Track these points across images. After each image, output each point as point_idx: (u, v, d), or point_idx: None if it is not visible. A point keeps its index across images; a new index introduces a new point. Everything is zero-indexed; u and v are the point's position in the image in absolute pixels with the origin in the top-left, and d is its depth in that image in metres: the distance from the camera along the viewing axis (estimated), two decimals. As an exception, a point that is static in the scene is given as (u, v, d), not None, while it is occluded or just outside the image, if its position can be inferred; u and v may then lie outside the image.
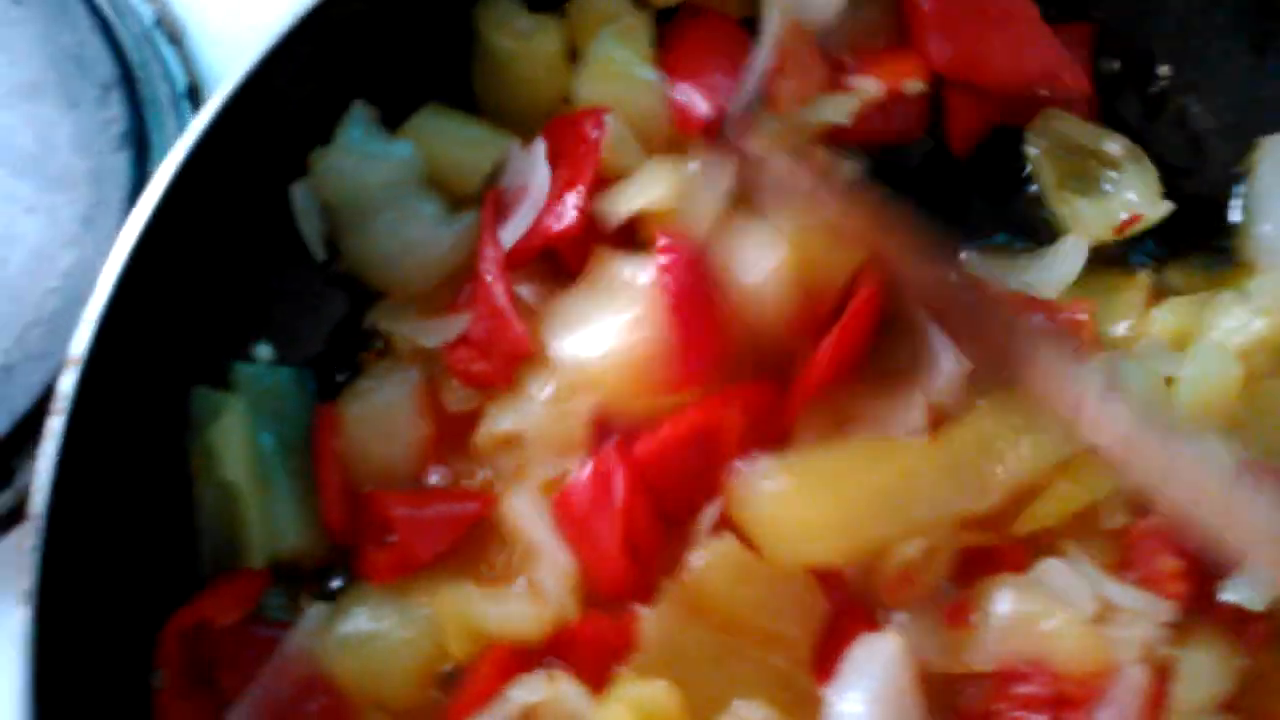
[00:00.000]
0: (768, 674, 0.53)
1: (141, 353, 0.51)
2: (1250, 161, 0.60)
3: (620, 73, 0.59)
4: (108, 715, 0.50)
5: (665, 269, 0.52)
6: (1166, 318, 0.58)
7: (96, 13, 0.67)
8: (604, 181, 0.56)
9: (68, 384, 0.47)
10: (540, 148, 0.58)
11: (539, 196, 0.57)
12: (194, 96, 0.69)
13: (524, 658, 0.52)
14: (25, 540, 0.45)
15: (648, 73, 0.59)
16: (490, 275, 0.54)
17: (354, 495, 0.56)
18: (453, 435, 0.57)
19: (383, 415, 0.57)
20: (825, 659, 0.52)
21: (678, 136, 0.59)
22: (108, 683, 0.50)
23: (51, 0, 0.67)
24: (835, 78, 0.61)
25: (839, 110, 0.60)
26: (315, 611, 0.54)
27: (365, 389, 0.57)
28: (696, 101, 0.60)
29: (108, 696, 0.50)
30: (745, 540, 0.52)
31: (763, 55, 0.55)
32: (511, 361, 0.55)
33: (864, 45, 0.61)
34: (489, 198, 0.57)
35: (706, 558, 0.52)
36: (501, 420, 0.55)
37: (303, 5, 0.54)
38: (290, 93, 0.55)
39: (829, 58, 0.60)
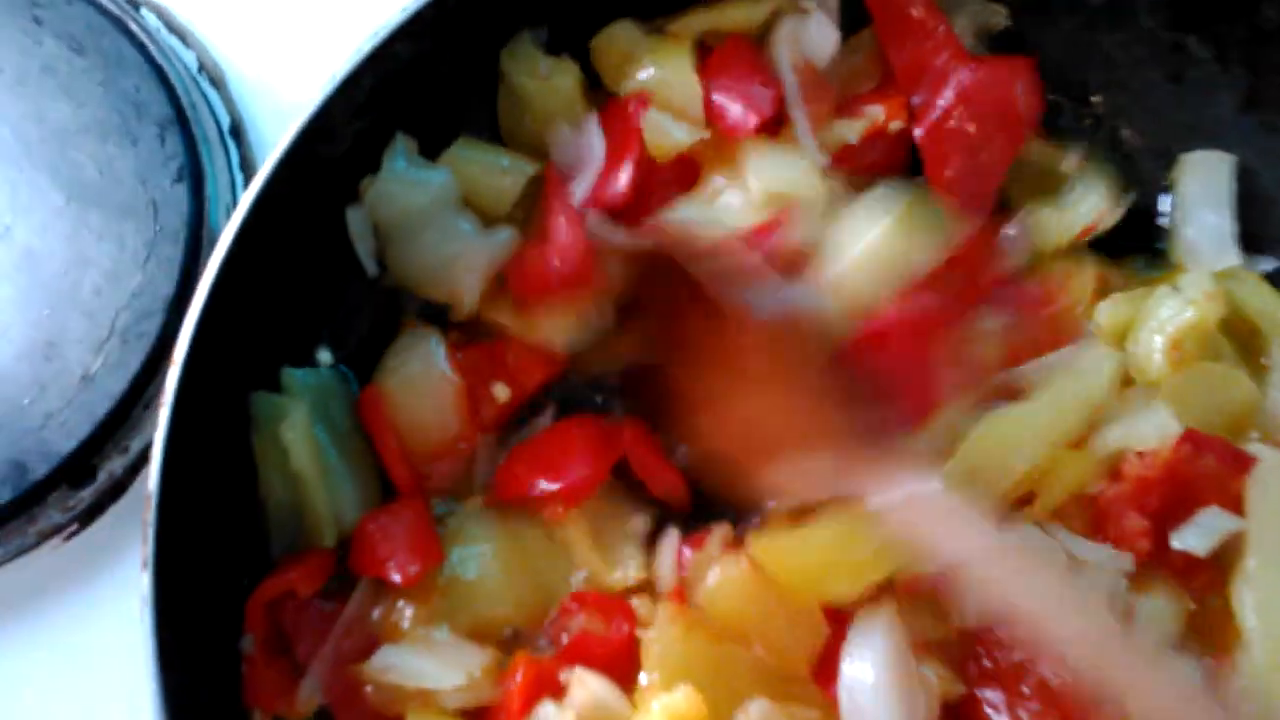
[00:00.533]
0: (770, 676, 0.59)
1: (225, 358, 0.58)
2: (1174, 175, 0.68)
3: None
4: (211, 674, 0.55)
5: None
6: (1112, 309, 0.65)
7: (150, 60, 0.73)
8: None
9: (172, 381, 0.54)
10: (593, 121, 0.66)
11: (598, 162, 0.64)
12: (236, 134, 0.76)
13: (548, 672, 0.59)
14: (146, 514, 0.52)
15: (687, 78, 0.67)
16: (563, 209, 0.63)
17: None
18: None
19: (419, 379, 0.63)
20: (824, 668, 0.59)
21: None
22: (210, 644, 0.56)
23: (109, 50, 0.73)
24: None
25: (852, 130, 0.67)
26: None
27: (395, 364, 0.64)
28: (734, 108, 0.66)
29: (210, 656, 0.56)
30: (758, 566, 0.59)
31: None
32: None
33: (852, 86, 0.69)
34: (549, 168, 0.65)
35: (719, 577, 0.59)
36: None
37: (354, 55, 0.62)
38: (342, 131, 0.61)
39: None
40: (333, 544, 0.60)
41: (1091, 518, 0.62)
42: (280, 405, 0.60)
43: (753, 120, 0.66)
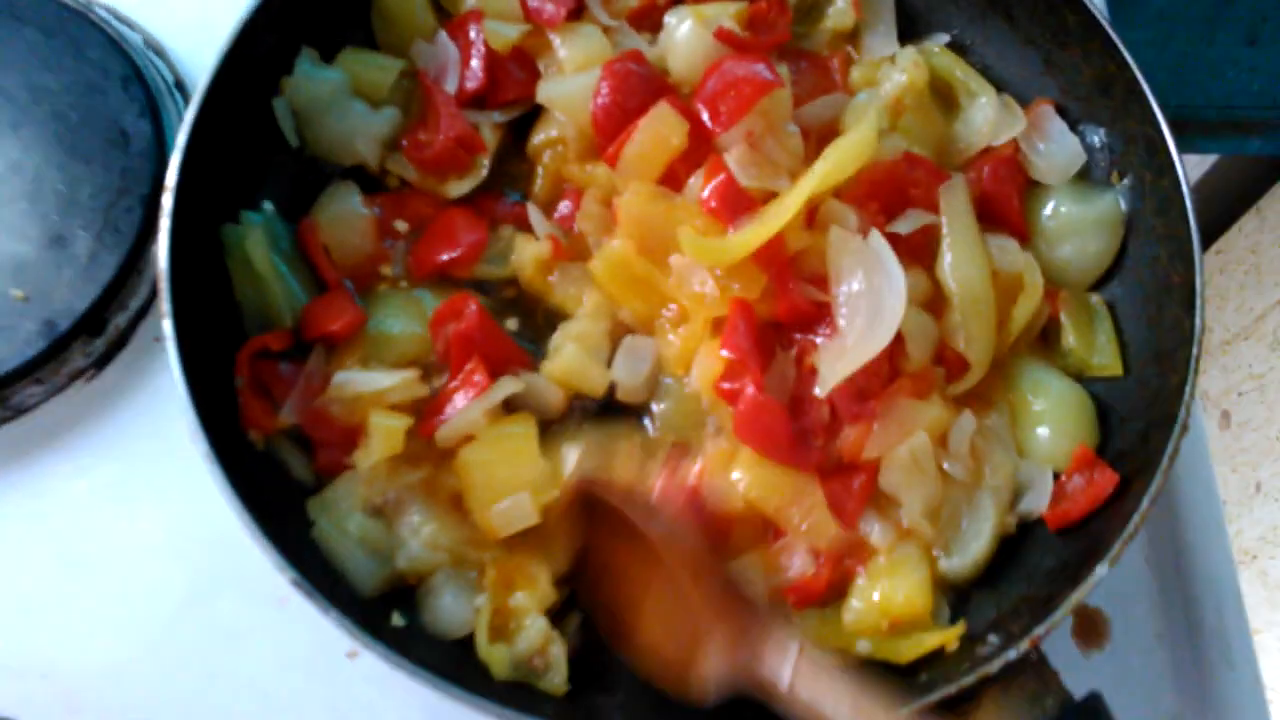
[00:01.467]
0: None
1: (199, 208, 0.79)
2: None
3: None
4: (222, 398, 0.77)
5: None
6: (860, 73, 0.92)
7: (108, 38, 0.95)
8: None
9: (167, 203, 0.77)
10: (443, 34, 0.89)
11: (455, 61, 0.88)
12: (179, 88, 0.99)
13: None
14: (160, 282, 0.75)
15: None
16: (444, 102, 0.87)
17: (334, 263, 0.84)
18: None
19: (343, 215, 0.86)
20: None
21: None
22: (215, 385, 0.76)
23: (75, 33, 0.94)
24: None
25: (619, 9, 0.92)
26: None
27: (325, 203, 0.86)
28: (546, 6, 0.90)
29: (219, 389, 0.77)
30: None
31: None
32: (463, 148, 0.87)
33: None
34: (421, 77, 0.88)
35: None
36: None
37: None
38: (261, 44, 0.85)
39: None
40: (289, 325, 0.82)
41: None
42: (242, 232, 0.82)
43: (561, 12, 0.90)
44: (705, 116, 0.85)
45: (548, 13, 0.91)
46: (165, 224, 0.76)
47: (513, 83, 0.91)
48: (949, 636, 0.74)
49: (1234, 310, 2.05)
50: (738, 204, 0.81)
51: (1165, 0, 1.58)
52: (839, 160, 0.79)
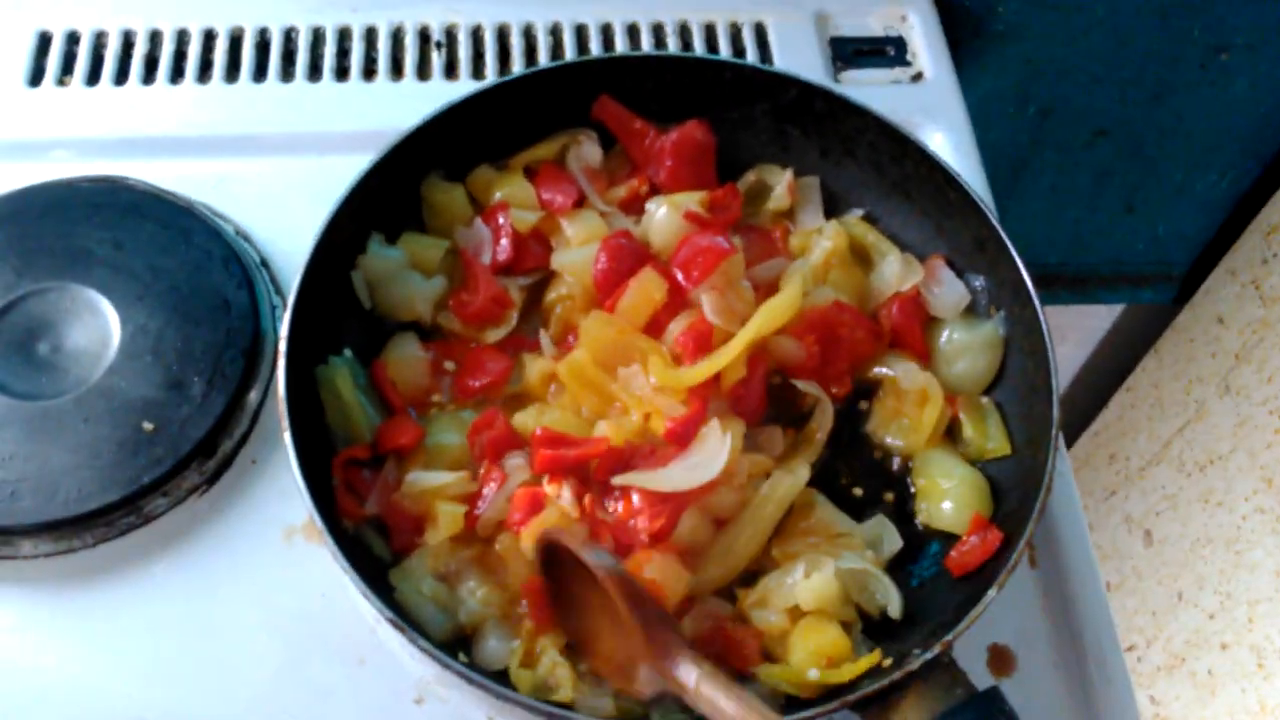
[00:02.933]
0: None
1: (301, 354, 1.03)
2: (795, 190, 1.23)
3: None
4: (325, 490, 1.00)
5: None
6: (796, 241, 1.19)
7: (208, 228, 1.23)
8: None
9: (284, 335, 1.03)
10: (479, 222, 1.16)
11: (488, 241, 1.15)
12: (265, 265, 1.25)
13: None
14: (281, 406, 0.99)
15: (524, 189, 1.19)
16: (481, 272, 1.13)
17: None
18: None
19: (406, 357, 1.10)
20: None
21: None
22: (323, 476, 1.01)
23: (184, 225, 1.19)
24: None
25: (620, 193, 1.20)
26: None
27: (393, 349, 1.11)
28: (555, 198, 1.16)
29: (323, 485, 1.00)
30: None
31: None
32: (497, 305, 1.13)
33: (618, 171, 1.23)
34: (463, 253, 1.15)
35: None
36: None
37: (338, 197, 1.11)
38: (342, 235, 1.13)
39: None
40: (368, 440, 1.06)
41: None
42: (331, 371, 1.07)
43: (568, 202, 1.19)
44: (680, 277, 1.12)
45: (558, 202, 1.19)
46: (282, 365, 1.00)
47: (532, 255, 1.18)
48: (874, 658, 0.96)
49: (1145, 439, 2.32)
50: (702, 344, 1.07)
51: (1053, 178, 1.90)
52: (769, 315, 1.07)
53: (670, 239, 1.15)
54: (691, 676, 0.87)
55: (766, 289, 1.14)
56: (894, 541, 1.06)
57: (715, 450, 1.01)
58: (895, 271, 1.17)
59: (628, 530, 0.99)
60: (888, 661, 0.97)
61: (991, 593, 0.93)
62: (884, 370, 1.15)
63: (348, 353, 1.10)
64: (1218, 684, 2.13)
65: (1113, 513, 2.44)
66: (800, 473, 1.05)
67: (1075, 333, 2.42)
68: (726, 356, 1.04)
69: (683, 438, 1.02)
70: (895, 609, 1.01)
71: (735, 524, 1.04)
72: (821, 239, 1.18)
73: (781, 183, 1.23)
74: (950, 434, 1.13)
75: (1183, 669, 2.23)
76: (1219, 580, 2.12)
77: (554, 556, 0.96)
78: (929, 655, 0.91)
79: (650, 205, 1.17)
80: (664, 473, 1.00)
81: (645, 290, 1.09)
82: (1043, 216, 2.02)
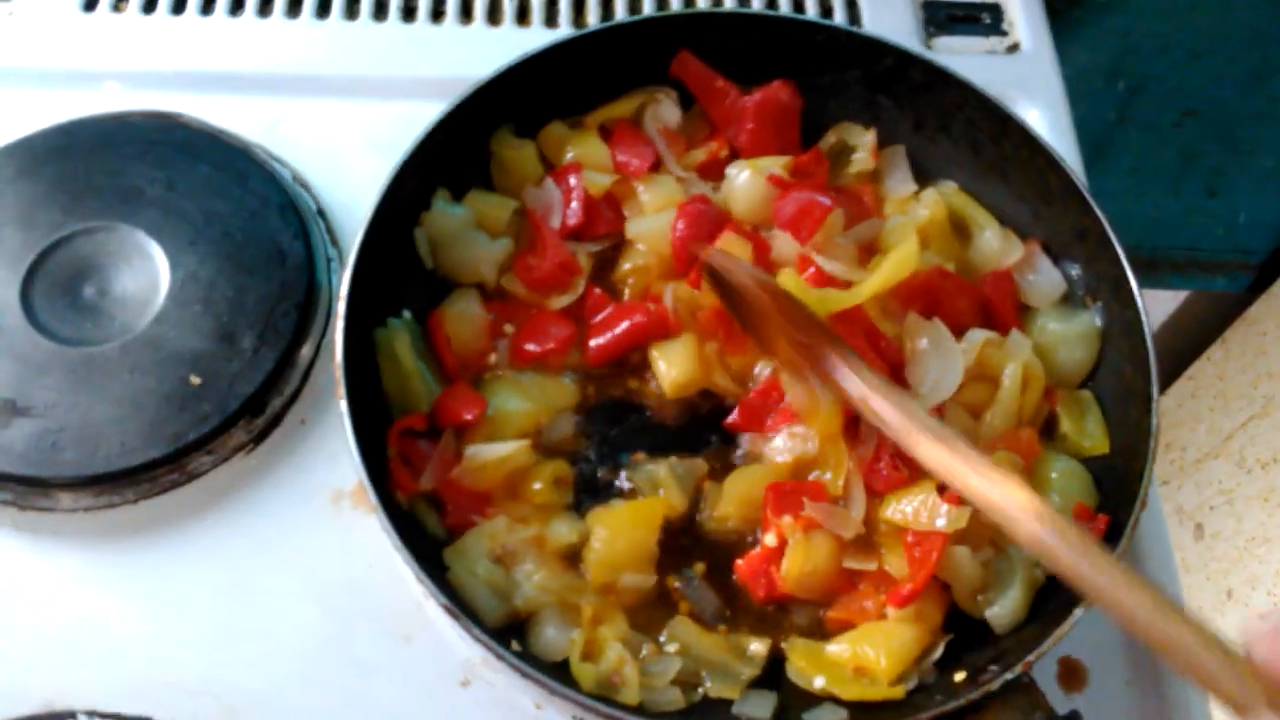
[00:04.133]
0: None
1: (360, 314, 0.98)
2: (882, 159, 1.16)
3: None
4: (379, 459, 0.95)
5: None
6: (892, 206, 1.14)
7: (265, 172, 1.17)
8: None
9: (341, 309, 0.97)
10: (549, 182, 1.10)
11: (559, 203, 1.09)
12: (322, 214, 1.19)
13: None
14: (337, 372, 0.94)
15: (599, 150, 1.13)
16: (550, 235, 1.07)
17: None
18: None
19: (463, 315, 1.05)
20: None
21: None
22: (378, 446, 0.96)
23: (241, 168, 1.13)
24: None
25: (699, 156, 1.12)
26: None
27: (451, 304, 1.06)
28: (631, 160, 1.11)
29: (378, 454, 0.96)
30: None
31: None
32: (564, 272, 1.08)
33: (697, 134, 1.17)
34: (530, 214, 1.09)
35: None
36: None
37: (408, 146, 1.04)
38: (407, 188, 1.07)
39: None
40: (425, 410, 1.01)
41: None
42: (390, 334, 1.02)
43: (644, 166, 1.13)
44: (786, 237, 1.07)
45: (633, 166, 1.13)
46: (340, 328, 0.95)
47: (603, 220, 1.12)
48: (891, 693, 0.91)
49: (1205, 432, 2.25)
50: (828, 282, 1.03)
51: (1136, 158, 1.82)
52: (898, 264, 1.02)
53: (754, 205, 1.10)
54: (852, 384, 0.92)
55: (864, 251, 1.09)
56: None
57: (945, 354, 1.03)
58: (994, 247, 1.11)
59: None
60: (960, 676, 0.92)
61: (1078, 612, 0.88)
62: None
63: (407, 314, 1.05)
64: (1264, 687, 2.07)
65: (1164, 502, 2.36)
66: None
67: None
68: (863, 294, 1.00)
69: None
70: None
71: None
72: (919, 206, 1.12)
73: (864, 145, 1.16)
74: (1045, 430, 1.06)
75: (1228, 668, 2.17)
76: (1273, 582, 2.06)
77: (719, 283, 1.00)
78: (1009, 676, 0.86)
79: (731, 170, 1.12)
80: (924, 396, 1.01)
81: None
82: (1121, 196, 1.93)
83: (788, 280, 1.01)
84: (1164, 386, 2.37)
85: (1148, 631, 0.68)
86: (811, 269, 1.04)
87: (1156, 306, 2.33)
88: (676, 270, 1.07)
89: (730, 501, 1.00)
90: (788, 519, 0.95)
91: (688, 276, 1.06)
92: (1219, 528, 2.20)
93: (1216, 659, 0.64)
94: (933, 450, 0.85)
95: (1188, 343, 2.26)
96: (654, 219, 1.08)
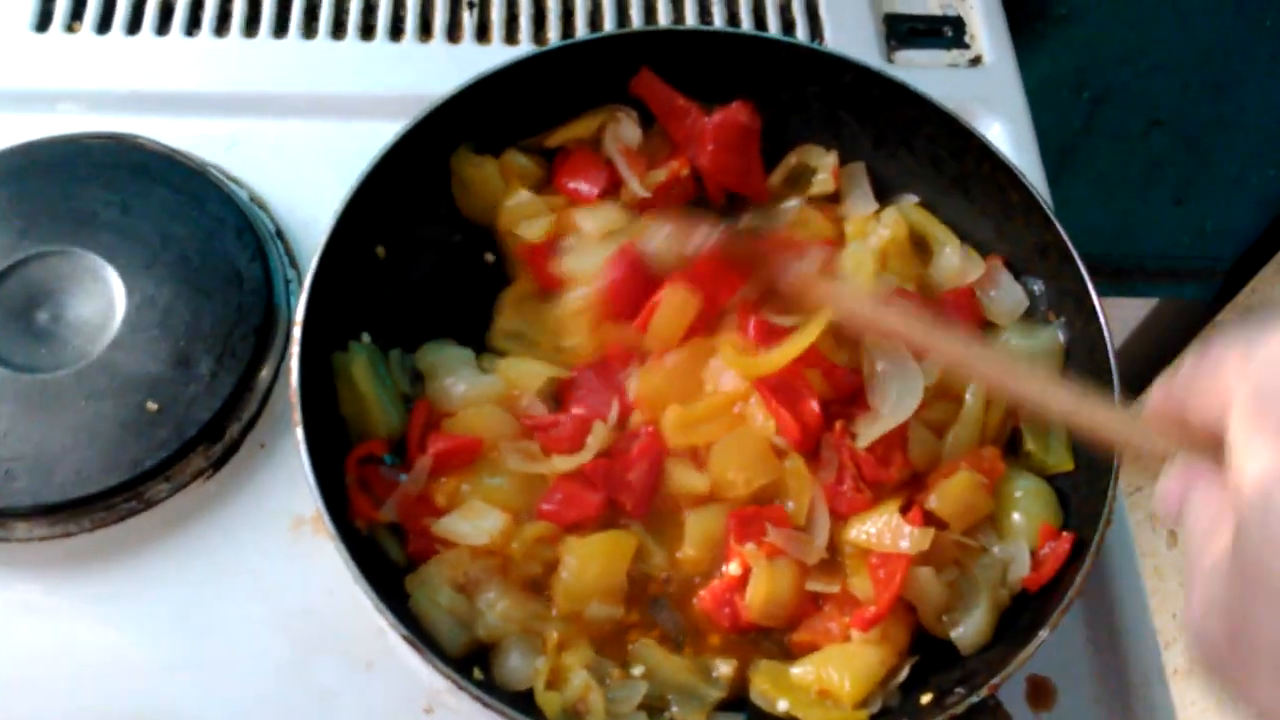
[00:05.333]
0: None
1: (316, 340, 0.97)
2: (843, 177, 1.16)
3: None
4: (336, 486, 0.94)
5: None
6: (849, 228, 1.12)
7: (223, 194, 1.16)
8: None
9: (299, 321, 0.96)
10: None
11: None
12: (280, 235, 1.19)
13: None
14: (293, 398, 0.93)
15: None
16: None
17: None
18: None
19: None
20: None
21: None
22: (333, 475, 0.95)
23: (197, 190, 1.12)
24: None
25: (660, 176, 1.10)
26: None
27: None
28: (582, 186, 1.11)
29: (335, 480, 0.95)
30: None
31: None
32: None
33: (658, 153, 1.15)
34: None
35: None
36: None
37: (358, 177, 1.01)
38: (364, 212, 1.07)
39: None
40: (383, 435, 0.99)
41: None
42: (349, 358, 1.01)
43: (593, 192, 1.11)
44: None
45: (583, 192, 1.12)
46: (296, 354, 0.93)
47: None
48: (854, 717, 0.91)
49: (1176, 438, 2.25)
50: (771, 335, 1.01)
51: (1102, 167, 1.82)
52: (809, 332, 0.99)
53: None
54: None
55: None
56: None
57: (906, 374, 1.00)
58: (955, 264, 1.10)
59: None
60: (926, 698, 0.92)
61: (1043, 633, 0.87)
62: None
63: (366, 338, 1.04)
64: (1237, 693, 2.08)
65: (1136, 509, 2.38)
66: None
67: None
68: (810, 337, 0.98)
69: None
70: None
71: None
72: (880, 226, 1.11)
73: (825, 166, 1.15)
74: (1009, 447, 1.06)
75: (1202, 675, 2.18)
76: (1245, 588, 2.06)
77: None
78: (975, 699, 0.85)
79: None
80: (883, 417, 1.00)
81: (677, 311, 1.02)
82: (1088, 205, 1.94)
83: (724, 347, 1.01)
84: (1136, 393, 2.37)
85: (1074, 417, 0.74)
86: (753, 321, 1.02)
87: (1127, 314, 2.34)
88: (613, 317, 1.04)
89: (693, 544, 0.98)
90: (750, 546, 0.94)
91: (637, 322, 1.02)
92: (1191, 534, 2.20)
93: (1125, 421, 0.69)
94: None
95: (1159, 350, 2.26)
96: (589, 257, 1.07)
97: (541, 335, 1.07)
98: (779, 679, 0.94)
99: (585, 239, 1.09)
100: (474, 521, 0.95)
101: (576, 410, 1.01)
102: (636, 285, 1.03)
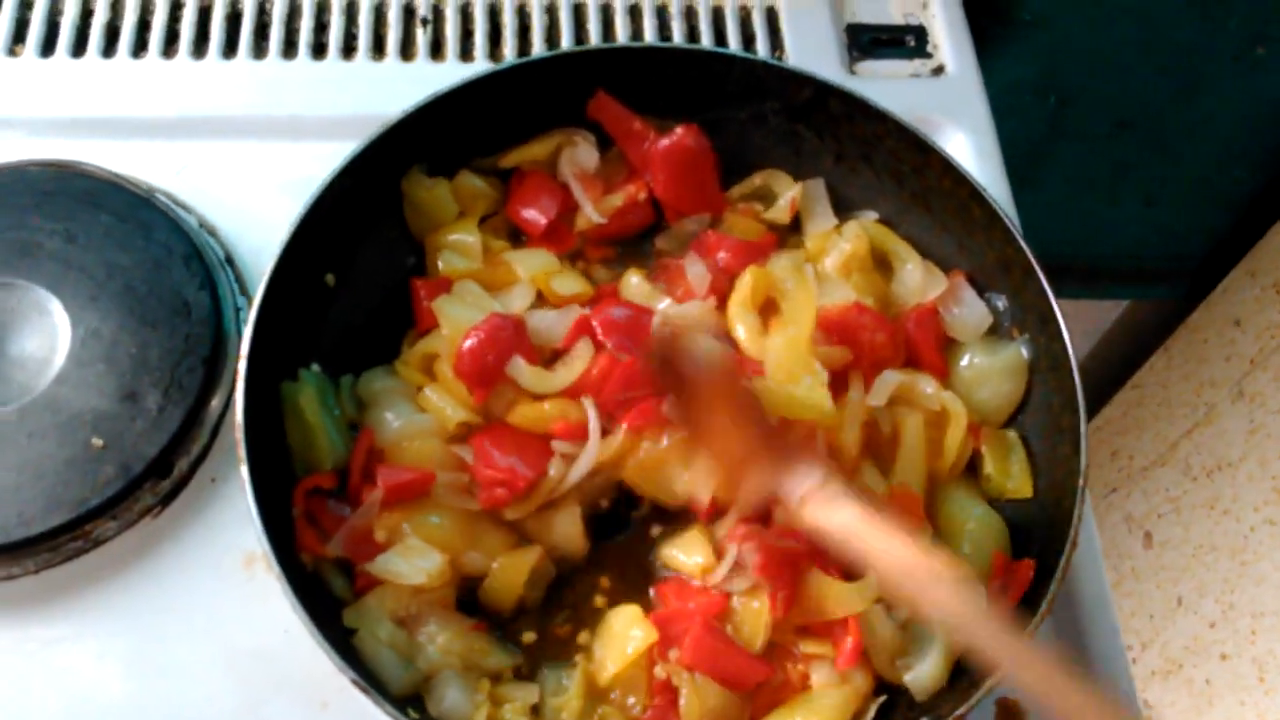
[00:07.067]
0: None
1: (263, 370, 0.94)
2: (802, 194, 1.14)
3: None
4: (284, 520, 0.92)
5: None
6: (810, 244, 1.11)
7: (170, 221, 1.13)
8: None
9: (244, 353, 0.93)
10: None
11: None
12: (230, 262, 1.15)
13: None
14: (238, 433, 0.90)
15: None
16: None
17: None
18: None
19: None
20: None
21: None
22: (281, 508, 0.93)
23: (143, 218, 1.10)
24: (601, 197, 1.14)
25: (617, 200, 1.09)
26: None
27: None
28: (530, 213, 1.09)
29: (283, 513, 0.93)
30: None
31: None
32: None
33: (615, 177, 1.13)
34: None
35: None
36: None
37: (307, 200, 0.98)
38: (314, 236, 1.04)
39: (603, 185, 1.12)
40: (329, 468, 0.97)
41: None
42: (297, 388, 0.98)
43: (541, 221, 1.08)
44: None
45: (533, 221, 1.10)
46: (241, 388, 0.91)
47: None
48: None
49: (1151, 440, 2.25)
50: None
51: (1070, 170, 1.81)
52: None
53: None
54: (797, 494, 0.84)
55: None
56: None
57: None
58: (917, 280, 1.08)
59: None
60: (890, 730, 0.90)
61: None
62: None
63: (315, 368, 1.01)
64: (1216, 694, 2.08)
65: (1112, 510, 2.38)
66: None
67: (1080, 323, 2.34)
68: None
69: None
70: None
71: None
72: (841, 240, 1.09)
73: (786, 195, 1.14)
74: (969, 469, 1.04)
75: (1179, 675, 2.18)
76: (1222, 589, 2.06)
77: (669, 359, 0.93)
78: (938, 732, 0.83)
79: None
80: None
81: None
82: (1057, 207, 1.93)
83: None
84: (1107, 394, 2.37)
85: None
86: None
87: (1098, 315, 2.33)
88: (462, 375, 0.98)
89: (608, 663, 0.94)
90: (673, 661, 0.91)
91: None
92: (1167, 536, 2.20)
93: None
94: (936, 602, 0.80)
95: (1131, 351, 2.26)
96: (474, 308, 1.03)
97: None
98: None
99: (470, 293, 1.05)
100: (411, 561, 0.93)
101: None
102: (496, 353, 0.98)
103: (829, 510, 0.82)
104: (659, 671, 0.91)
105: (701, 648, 0.89)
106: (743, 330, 1.01)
